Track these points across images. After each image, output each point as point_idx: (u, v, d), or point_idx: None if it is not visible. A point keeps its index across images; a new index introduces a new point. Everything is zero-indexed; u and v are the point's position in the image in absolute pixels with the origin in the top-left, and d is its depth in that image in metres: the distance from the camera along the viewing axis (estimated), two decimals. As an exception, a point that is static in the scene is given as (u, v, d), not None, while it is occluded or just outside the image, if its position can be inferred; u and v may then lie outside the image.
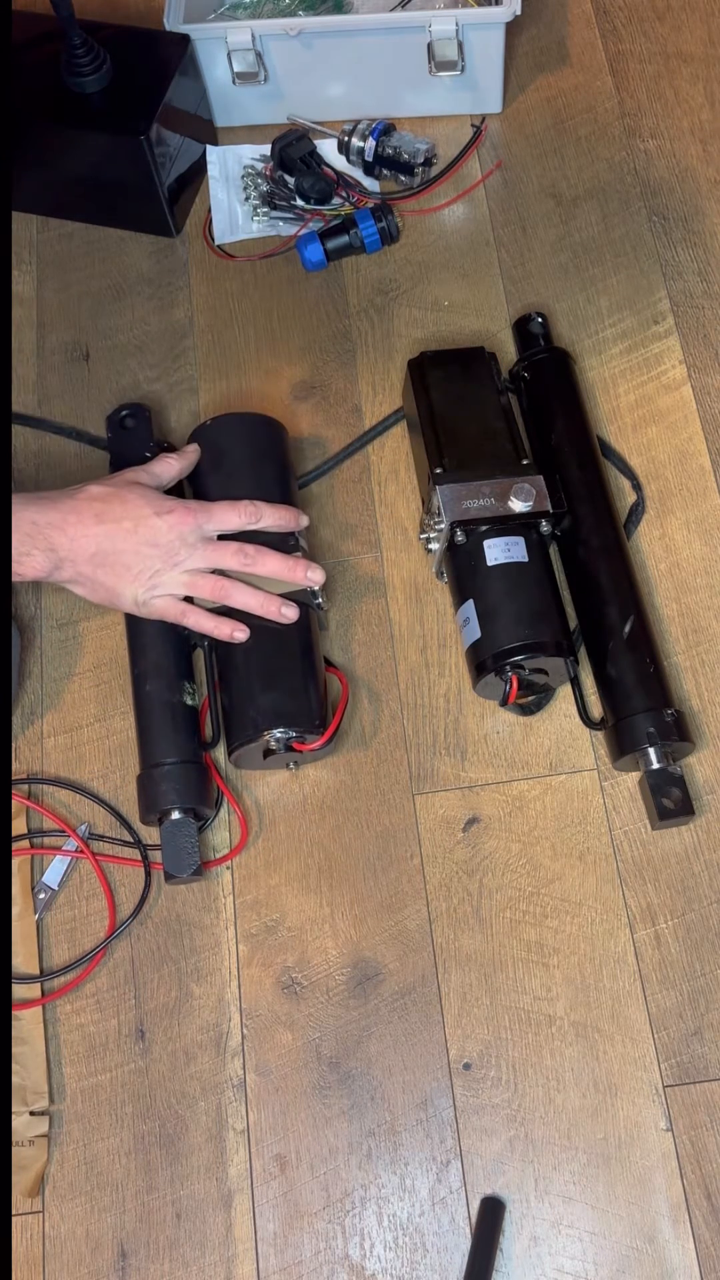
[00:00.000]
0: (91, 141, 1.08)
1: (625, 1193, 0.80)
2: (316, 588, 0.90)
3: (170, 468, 0.92)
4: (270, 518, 0.89)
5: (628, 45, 1.22)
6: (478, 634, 0.88)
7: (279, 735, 0.86)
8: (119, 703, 0.95)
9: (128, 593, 0.87)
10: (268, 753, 0.88)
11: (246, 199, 1.14)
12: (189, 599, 0.88)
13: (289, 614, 0.88)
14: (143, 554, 0.86)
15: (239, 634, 0.88)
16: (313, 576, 0.89)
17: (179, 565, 0.87)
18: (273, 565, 0.88)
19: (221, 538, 0.89)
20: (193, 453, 0.94)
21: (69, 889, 0.90)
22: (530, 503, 0.89)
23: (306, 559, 0.89)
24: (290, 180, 1.13)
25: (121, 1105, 0.84)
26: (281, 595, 0.88)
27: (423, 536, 0.95)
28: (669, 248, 1.11)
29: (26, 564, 0.83)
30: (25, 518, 0.83)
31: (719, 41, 1.21)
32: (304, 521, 0.92)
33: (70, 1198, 0.83)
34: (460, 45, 1.10)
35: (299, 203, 1.13)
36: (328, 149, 1.15)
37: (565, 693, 0.93)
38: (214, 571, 0.88)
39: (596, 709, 0.91)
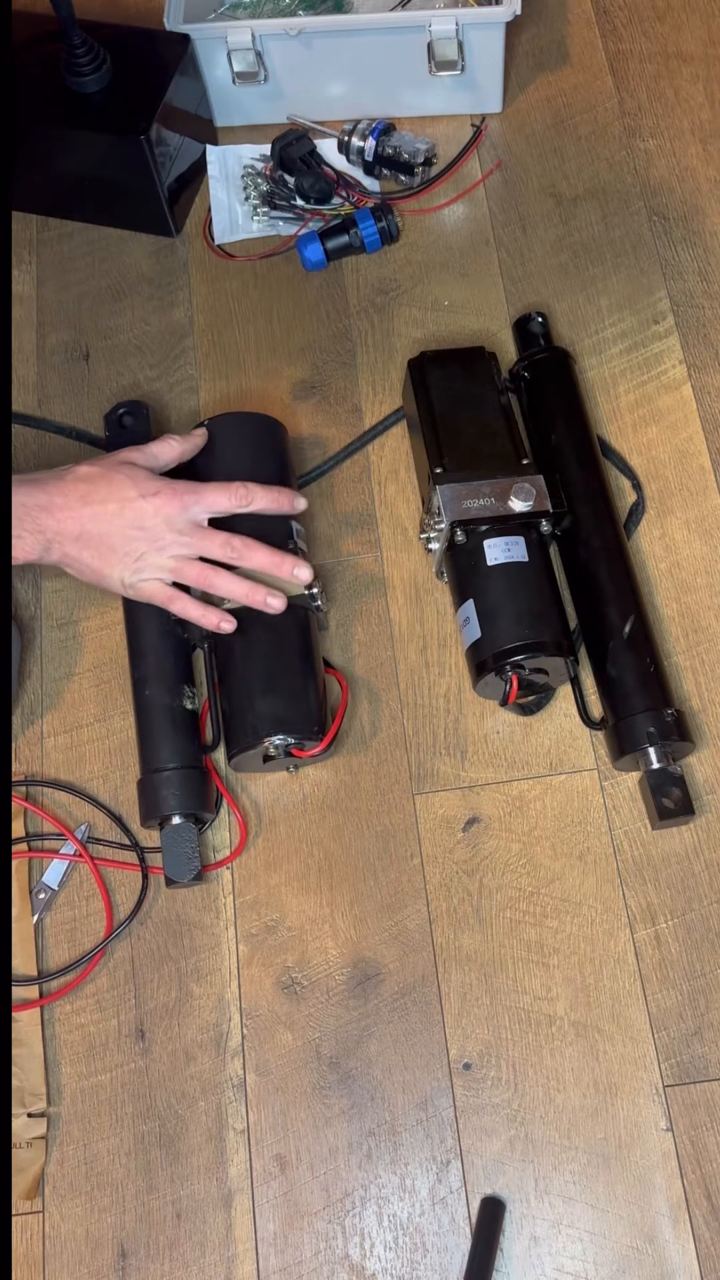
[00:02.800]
0: (91, 141, 1.08)
1: (625, 1193, 0.80)
2: (302, 586, 0.88)
3: (170, 449, 0.91)
4: (263, 500, 0.88)
5: (628, 45, 1.22)
6: (478, 634, 0.88)
7: (278, 742, 0.86)
8: (119, 703, 0.95)
9: (114, 575, 0.86)
10: (267, 758, 0.88)
11: (246, 199, 1.14)
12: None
13: (275, 604, 0.86)
14: (128, 536, 0.85)
15: (225, 625, 0.87)
16: (300, 575, 0.87)
17: (164, 550, 0.86)
18: (260, 560, 0.87)
19: (217, 523, 0.88)
20: (199, 436, 0.93)
21: (69, 889, 0.90)
22: (530, 502, 0.89)
23: (297, 557, 0.88)
24: (290, 180, 1.13)
25: (121, 1105, 0.84)
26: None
27: (423, 536, 0.94)
28: (669, 247, 1.11)
29: (18, 546, 0.83)
30: (15, 500, 0.83)
31: (719, 41, 1.21)
32: (300, 504, 0.90)
33: (70, 1198, 0.83)
34: (460, 45, 1.10)
35: (299, 202, 1.13)
36: (328, 149, 1.15)
37: (565, 693, 0.93)
38: (203, 559, 0.87)
39: (596, 709, 0.91)
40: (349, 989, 0.86)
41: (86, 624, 0.99)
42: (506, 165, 1.17)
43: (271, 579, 0.88)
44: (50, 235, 1.17)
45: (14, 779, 0.93)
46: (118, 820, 0.92)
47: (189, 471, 0.95)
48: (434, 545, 0.94)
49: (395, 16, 1.13)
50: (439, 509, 0.91)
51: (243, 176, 1.15)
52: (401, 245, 1.13)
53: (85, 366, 1.10)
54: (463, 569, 0.91)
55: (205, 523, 0.88)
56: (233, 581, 0.86)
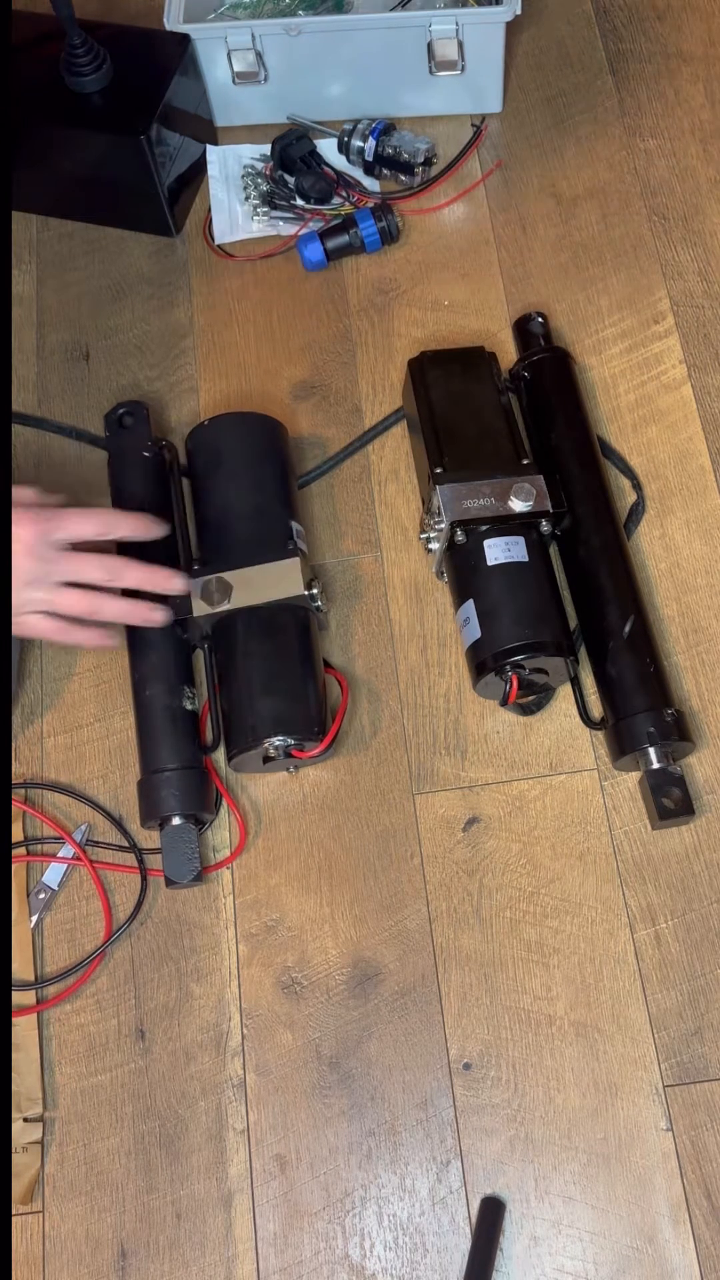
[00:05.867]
0: (91, 141, 1.08)
1: (625, 1193, 0.80)
2: (182, 594, 0.87)
3: (85, 524, 0.83)
4: (125, 526, 0.86)
5: (628, 45, 1.22)
6: (478, 634, 0.88)
7: (278, 743, 0.86)
8: (119, 702, 0.95)
9: None
10: (267, 759, 0.88)
11: (246, 199, 1.14)
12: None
13: (158, 617, 0.86)
14: None
15: (156, 615, 0.86)
16: (175, 584, 0.86)
17: (34, 582, 0.80)
18: (137, 577, 0.84)
19: (220, 532, 0.88)
20: (142, 523, 0.87)
21: (68, 889, 0.90)
22: (530, 502, 0.89)
23: (170, 569, 0.86)
24: (290, 180, 1.13)
25: (121, 1105, 0.84)
26: (280, 601, 0.88)
27: (423, 536, 0.94)
28: (669, 247, 1.11)
29: None
30: None
31: (719, 41, 1.21)
32: (158, 532, 0.87)
33: (70, 1198, 0.83)
34: (460, 45, 1.10)
35: (299, 202, 1.13)
36: (328, 148, 1.15)
37: (565, 692, 0.93)
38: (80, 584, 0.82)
39: (596, 709, 0.91)
40: (349, 989, 0.86)
41: (86, 624, 0.99)
42: (506, 165, 1.17)
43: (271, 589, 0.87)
44: (50, 235, 1.17)
45: (13, 781, 0.93)
46: (117, 822, 0.92)
47: (189, 473, 0.96)
48: (434, 545, 0.94)
49: (395, 16, 1.13)
50: (439, 509, 0.91)
51: (243, 176, 1.15)
52: (401, 245, 1.13)
53: (85, 366, 1.10)
54: (463, 569, 0.91)
55: (69, 548, 0.82)
56: (116, 603, 0.84)
